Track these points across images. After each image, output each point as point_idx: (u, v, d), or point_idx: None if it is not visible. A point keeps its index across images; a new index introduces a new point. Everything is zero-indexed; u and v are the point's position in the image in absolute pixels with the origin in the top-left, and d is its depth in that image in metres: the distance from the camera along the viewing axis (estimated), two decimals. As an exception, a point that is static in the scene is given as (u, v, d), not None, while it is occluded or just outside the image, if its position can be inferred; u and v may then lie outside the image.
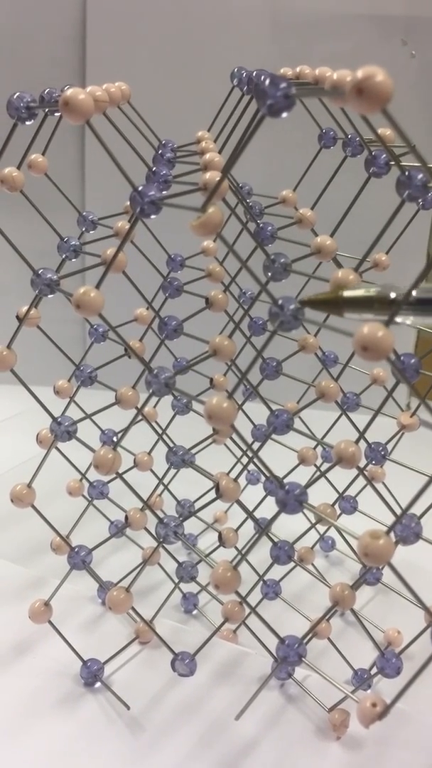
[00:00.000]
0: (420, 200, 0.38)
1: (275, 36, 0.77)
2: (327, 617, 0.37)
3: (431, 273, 0.24)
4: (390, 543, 0.25)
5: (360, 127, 0.37)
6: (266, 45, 0.77)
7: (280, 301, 0.27)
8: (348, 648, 0.43)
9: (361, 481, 0.43)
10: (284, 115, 0.24)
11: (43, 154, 0.41)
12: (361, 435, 0.36)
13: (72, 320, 0.61)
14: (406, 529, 0.33)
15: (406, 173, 0.29)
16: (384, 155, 0.36)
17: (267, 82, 0.24)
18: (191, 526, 0.58)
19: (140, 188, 0.29)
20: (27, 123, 0.34)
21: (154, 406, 0.52)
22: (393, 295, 0.25)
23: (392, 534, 0.26)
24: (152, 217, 0.30)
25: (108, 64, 0.79)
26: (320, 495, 0.44)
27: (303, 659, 0.34)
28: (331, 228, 0.41)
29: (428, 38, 0.75)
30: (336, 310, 0.26)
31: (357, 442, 0.33)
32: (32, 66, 0.79)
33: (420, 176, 0.29)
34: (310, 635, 0.35)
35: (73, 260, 0.44)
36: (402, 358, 0.34)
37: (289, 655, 0.33)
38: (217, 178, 0.28)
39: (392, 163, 0.34)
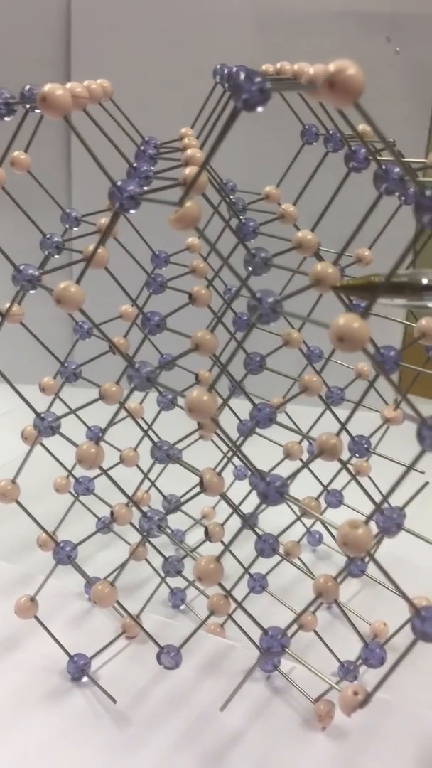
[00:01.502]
0: (402, 196, 0.38)
1: (260, 33, 0.77)
2: (312, 609, 0.37)
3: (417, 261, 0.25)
4: (368, 532, 0.25)
5: (345, 123, 0.37)
6: (251, 42, 0.77)
7: (258, 294, 0.27)
8: (335, 641, 0.44)
9: (348, 476, 0.43)
10: (260, 109, 0.24)
11: (25, 151, 0.41)
12: (343, 426, 0.36)
13: (61, 319, 0.61)
14: (388, 520, 0.33)
15: (383, 167, 0.29)
16: (363, 150, 0.36)
17: (242, 76, 0.24)
18: (180, 522, 0.58)
19: (119, 183, 0.29)
20: (6, 119, 0.34)
21: (141, 403, 0.53)
22: (425, 280, 0.25)
23: (374, 524, 0.27)
24: (132, 212, 0.30)
25: (93, 63, 0.79)
26: (307, 489, 0.44)
27: (287, 650, 0.34)
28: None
29: (412, 35, 0.75)
30: (368, 296, 0.26)
31: (338, 433, 0.33)
32: (17, 65, 0.79)
33: (396, 170, 0.29)
34: (293, 626, 0.35)
35: (59, 257, 0.44)
36: (381, 350, 0.34)
37: (272, 646, 0.34)
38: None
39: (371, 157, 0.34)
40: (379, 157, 0.32)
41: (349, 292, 0.28)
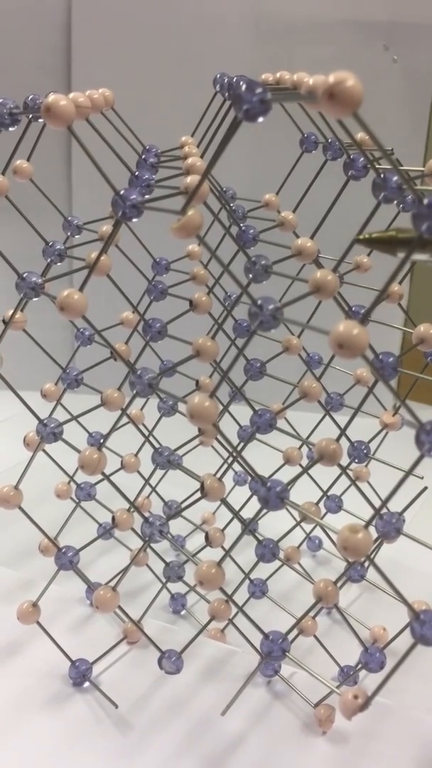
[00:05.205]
0: (401, 204, 0.38)
1: (259, 42, 0.77)
2: (312, 614, 0.37)
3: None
4: (368, 536, 0.26)
5: (343, 131, 0.38)
6: (250, 51, 0.78)
7: (259, 301, 0.28)
8: (335, 646, 0.44)
9: (347, 481, 0.43)
10: (260, 119, 0.24)
11: (28, 159, 0.41)
12: (342, 432, 0.37)
13: (62, 326, 0.61)
14: (387, 525, 0.33)
15: (382, 175, 0.30)
16: (362, 158, 0.36)
17: (243, 87, 0.24)
18: (180, 528, 0.58)
19: (122, 192, 0.29)
20: (10, 129, 0.34)
21: (141, 409, 0.53)
22: None
23: (373, 529, 0.27)
24: (134, 220, 0.30)
25: (93, 71, 0.79)
26: (307, 495, 0.44)
27: (287, 654, 0.35)
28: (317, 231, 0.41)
29: (409, 43, 0.76)
30: (390, 250, 0.26)
31: (338, 439, 0.34)
32: (18, 74, 0.79)
33: (395, 178, 0.30)
34: (293, 630, 0.35)
35: (61, 264, 0.44)
36: (381, 356, 0.35)
37: (273, 650, 0.34)
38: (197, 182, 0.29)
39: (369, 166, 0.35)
40: (377, 166, 0.32)
41: (372, 245, 0.28)
